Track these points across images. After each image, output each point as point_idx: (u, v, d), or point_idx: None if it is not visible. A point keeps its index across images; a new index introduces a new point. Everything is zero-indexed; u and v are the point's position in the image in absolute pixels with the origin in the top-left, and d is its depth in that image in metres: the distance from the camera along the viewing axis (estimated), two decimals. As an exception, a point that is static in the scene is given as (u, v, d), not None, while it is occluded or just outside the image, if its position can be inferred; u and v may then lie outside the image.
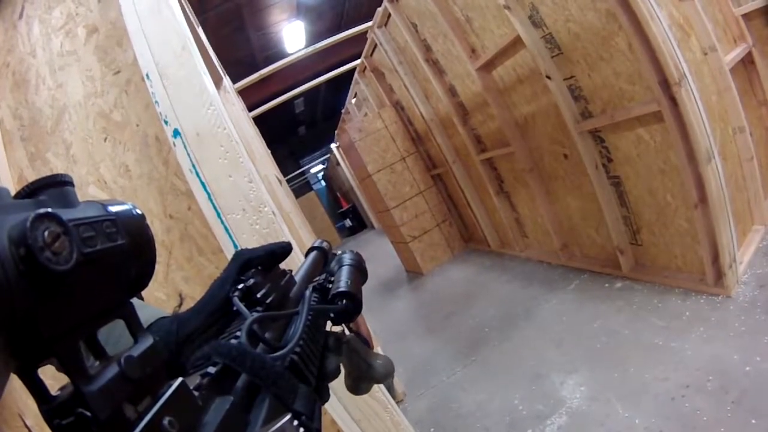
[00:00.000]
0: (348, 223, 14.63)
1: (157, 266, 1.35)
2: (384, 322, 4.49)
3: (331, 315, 0.55)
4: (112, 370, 0.27)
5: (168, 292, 1.44)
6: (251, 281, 0.45)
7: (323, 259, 0.66)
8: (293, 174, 16.86)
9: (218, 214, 1.34)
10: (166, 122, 1.32)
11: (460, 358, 3.03)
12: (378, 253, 7.91)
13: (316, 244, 0.67)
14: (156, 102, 1.32)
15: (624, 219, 2.84)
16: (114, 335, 0.41)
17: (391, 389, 2.81)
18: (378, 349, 3.22)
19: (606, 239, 3.04)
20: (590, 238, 3.29)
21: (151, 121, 1.42)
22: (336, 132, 9.04)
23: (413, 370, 3.20)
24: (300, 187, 18.18)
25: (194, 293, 1.42)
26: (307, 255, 0.65)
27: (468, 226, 5.48)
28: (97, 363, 0.28)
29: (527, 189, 3.70)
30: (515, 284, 3.80)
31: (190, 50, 1.35)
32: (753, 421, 1.54)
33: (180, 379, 0.31)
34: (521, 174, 3.62)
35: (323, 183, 19.76)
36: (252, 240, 1.34)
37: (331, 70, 7.12)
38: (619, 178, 2.71)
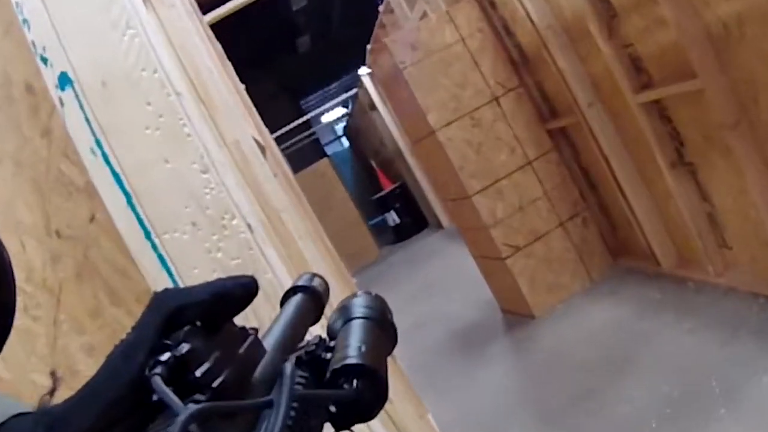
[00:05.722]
0: (393, 218, 9.19)
1: (35, 326, 0.86)
2: (463, 407, 3.23)
3: (331, 408, 0.35)
4: None
5: (56, 371, 0.90)
6: (184, 348, 0.29)
7: (315, 307, 0.44)
8: (290, 126, 9.69)
9: (146, 232, 0.88)
10: (44, 60, 0.82)
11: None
12: (449, 278, 5.43)
13: (300, 283, 0.44)
14: (24, 21, 0.81)
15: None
16: None
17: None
18: None
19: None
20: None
21: (17, 57, 0.90)
22: (368, 48, 5.68)
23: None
24: (302, 151, 11.42)
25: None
26: (283, 302, 0.43)
27: (618, 226, 3.72)
28: None
29: (728, 158, 2.52)
30: (706, 336, 2.71)
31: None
32: None
33: None
34: (718, 131, 2.44)
35: (345, 143, 13.53)
36: (210, 277, 0.87)
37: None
38: None
